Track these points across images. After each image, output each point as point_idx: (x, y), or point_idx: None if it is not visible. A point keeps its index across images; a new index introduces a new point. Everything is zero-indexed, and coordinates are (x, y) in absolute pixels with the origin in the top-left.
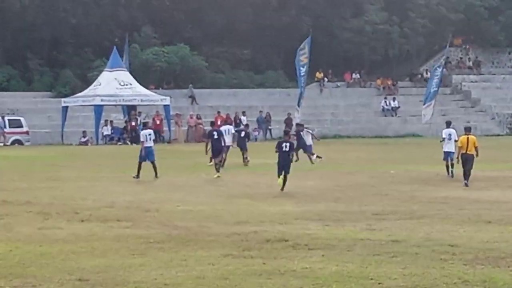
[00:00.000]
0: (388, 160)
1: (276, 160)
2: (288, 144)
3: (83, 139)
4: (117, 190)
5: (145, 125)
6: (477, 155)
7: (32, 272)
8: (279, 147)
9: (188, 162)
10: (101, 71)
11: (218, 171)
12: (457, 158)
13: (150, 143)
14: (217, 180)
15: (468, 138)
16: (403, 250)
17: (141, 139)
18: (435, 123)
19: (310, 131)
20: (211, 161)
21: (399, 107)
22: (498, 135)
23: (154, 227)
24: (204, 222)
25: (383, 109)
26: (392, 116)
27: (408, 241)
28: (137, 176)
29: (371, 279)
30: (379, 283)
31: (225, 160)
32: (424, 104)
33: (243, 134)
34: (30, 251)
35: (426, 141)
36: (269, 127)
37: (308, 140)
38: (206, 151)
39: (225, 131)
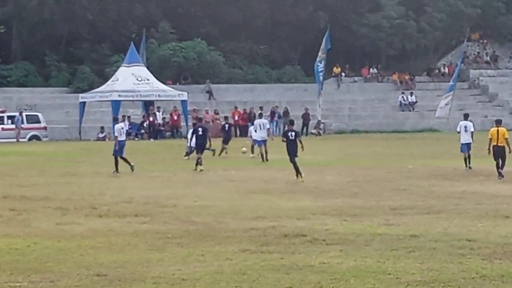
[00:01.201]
0: (405, 155)
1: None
2: (293, 133)
3: (101, 135)
4: (134, 185)
5: (116, 120)
6: (509, 149)
7: (50, 268)
8: (285, 136)
9: (205, 158)
10: (118, 67)
11: (200, 164)
12: (488, 150)
13: (124, 137)
14: (232, 175)
15: (498, 130)
16: (421, 245)
17: (115, 134)
18: (452, 117)
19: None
20: (186, 155)
21: (416, 102)
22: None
23: (172, 223)
24: (222, 217)
25: (401, 104)
26: (410, 111)
27: (426, 236)
28: (116, 171)
29: (389, 274)
30: (397, 278)
31: (267, 152)
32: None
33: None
34: (48, 246)
35: (444, 135)
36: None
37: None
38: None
39: (259, 125)
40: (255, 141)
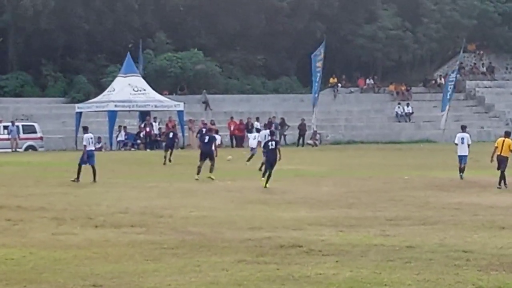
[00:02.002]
0: (401, 165)
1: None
2: (274, 143)
3: (98, 145)
4: (131, 195)
5: (86, 129)
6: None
7: (46, 278)
8: (265, 146)
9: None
10: (114, 77)
11: (198, 173)
12: (491, 159)
13: (92, 147)
14: (228, 185)
15: (504, 140)
16: (417, 256)
17: (84, 143)
18: (449, 129)
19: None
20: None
21: (412, 112)
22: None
23: (168, 233)
24: (218, 227)
25: (397, 115)
26: (406, 121)
27: (422, 247)
28: (77, 179)
29: (385, 285)
30: None
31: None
32: (442, 111)
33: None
34: (44, 256)
35: (440, 146)
36: (284, 133)
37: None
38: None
39: (265, 135)
40: (253, 149)
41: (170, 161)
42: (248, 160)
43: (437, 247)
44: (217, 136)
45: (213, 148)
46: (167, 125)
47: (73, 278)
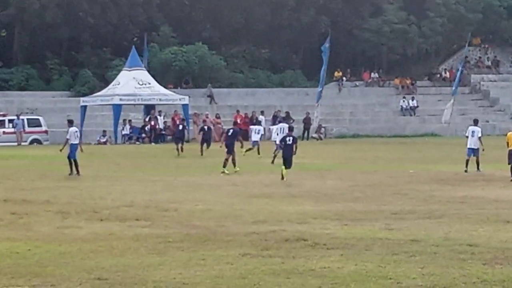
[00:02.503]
0: (406, 159)
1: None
2: (291, 138)
3: (103, 139)
4: (136, 189)
5: (71, 122)
6: None
7: (51, 271)
8: (283, 140)
9: (207, 162)
10: (119, 71)
11: (224, 166)
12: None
13: (76, 141)
14: (232, 179)
15: None
16: (421, 250)
17: (67, 136)
18: (453, 122)
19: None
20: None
21: (417, 106)
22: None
23: (173, 227)
24: (223, 221)
25: (402, 109)
26: (411, 115)
27: (426, 241)
28: (71, 173)
29: (390, 278)
30: (397, 283)
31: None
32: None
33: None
34: (49, 250)
35: (445, 140)
36: None
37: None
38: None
39: (280, 129)
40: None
41: (182, 151)
42: (247, 150)
43: (442, 240)
44: (260, 128)
45: (237, 140)
46: (173, 118)
47: (78, 272)
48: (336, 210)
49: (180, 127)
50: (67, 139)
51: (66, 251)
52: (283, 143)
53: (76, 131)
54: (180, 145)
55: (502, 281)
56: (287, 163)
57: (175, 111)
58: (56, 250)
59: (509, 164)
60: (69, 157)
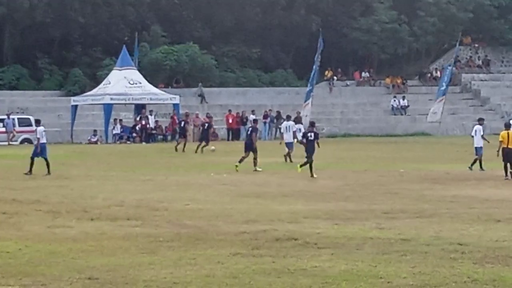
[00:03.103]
0: (397, 159)
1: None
2: (313, 134)
3: (93, 138)
4: (126, 188)
5: (38, 122)
6: None
7: (41, 271)
8: (305, 136)
9: (197, 161)
10: (110, 70)
11: (240, 161)
12: (497, 152)
13: (44, 140)
14: (223, 178)
15: (508, 133)
16: (412, 249)
17: (37, 136)
18: (444, 122)
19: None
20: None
21: (408, 105)
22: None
23: (163, 226)
24: (213, 220)
25: (393, 108)
26: (402, 114)
27: (417, 240)
28: (30, 172)
29: (381, 277)
30: (388, 282)
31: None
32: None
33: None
34: (40, 249)
35: (436, 139)
36: (279, 126)
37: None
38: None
39: (286, 127)
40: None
41: (202, 151)
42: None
43: (432, 240)
44: (296, 125)
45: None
46: (172, 117)
47: (68, 271)
48: (327, 210)
49: (206, 125)
50: (38, 139)
51: (56, 250)
52: (304, 139)
53: (44, 131)
54: (202, 144)
55: (493, 280)
56: (310, 157)
57: (173, 110)
58: (47, 249)
59: (504, 161)
60: (32, 157)
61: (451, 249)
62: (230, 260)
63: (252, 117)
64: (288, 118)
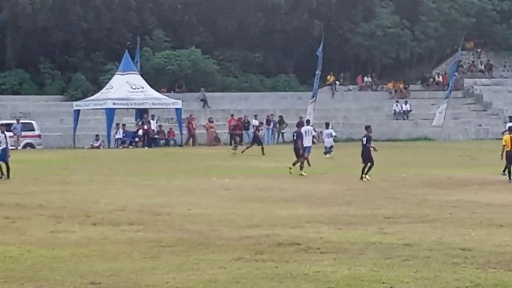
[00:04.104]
0: (399, 163)
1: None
2: (365, 138)
3: (96, 143)
4: (129, 193)
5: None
6: None
7: (44, 276)
8: (361, 141)
9: (200, 166)
10: (112, 75)
11: (301, 169)
12: (501, 155)
13: (4, 145)
14: (225, 183)
15: (511, 137)
16: (415, 254)
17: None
18: (446, 126)
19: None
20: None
21: (410, 110)
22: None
23: (166, 231)
24: (216, 225)
25: (395, 113)
26: (404, 119)
27: (420, 245)
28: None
29: (383, 282)
30: (390, 287)
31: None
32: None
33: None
34: (42, 254)
35: (438, 144)
36: (282, 131)
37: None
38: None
39: (305, 132)
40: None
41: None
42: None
43: (435, 245)
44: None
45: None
46: (190, 122)
47: (71, 276)
48: (329, 214)
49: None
50: (6, 143)
51: (59, 255)
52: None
53: (8, 136)
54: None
55: (495, 285)
56: (367, 162)
57: (190, 115)
58: (49, 254)
59: (508, 165)
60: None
61: (454, 254)
62: (233, 265)
63: (254, 122)
64: (308, 122)
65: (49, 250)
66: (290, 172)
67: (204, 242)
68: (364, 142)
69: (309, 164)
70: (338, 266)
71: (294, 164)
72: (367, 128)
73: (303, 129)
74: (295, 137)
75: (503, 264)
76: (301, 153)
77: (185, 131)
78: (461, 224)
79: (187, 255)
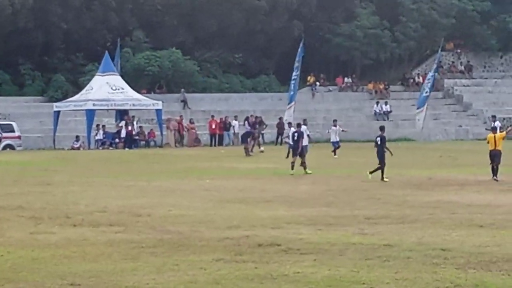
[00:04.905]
0: None
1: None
2: (379, 138)
3: (76, 144)
4: (109, 194)
5: None
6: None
7: (24, 277)
8: (375, 141)
9: (180, 167)
10: (93, 76)
11: (292, 168)
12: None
13: None
14: (205, 184)
15: (495, 136)
16: (395, 255)
17: None
18: (427, 127)
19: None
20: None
21: (391, 111)
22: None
23: (146, 232)
24: (196, 226)
25: (375, 113)
26: (384, 120)
27: (400, 246)
28: None
29: (363, 283)
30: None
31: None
32: (417, 109)
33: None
34: (22, 256)
35: (418, 145)
36: (262, 132)
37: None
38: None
39: (304, 131)
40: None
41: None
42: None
43: (415, 245)
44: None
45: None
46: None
47: (51, 277)
48: (309, 215)
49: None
50: None
51: (39, 256)
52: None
53: None
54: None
55: (475, 285)
56: (380, 162)
57: (180, 116)
58: (29, 255)
59: (491, 164)
60: None
61: (434, 254)
62: (213, 266)
63: (234, 123)
64: (305, 123)
65: (29, 251)
66: (307, 173)
67: (184, 243)
68: (379, 143)
69: (292, 167)
70: (318, 267)
71: (292, 168)
72: (382, 128)
73: (302, 128)
74: (295, 137)
75: (483, 265)
76: (298, 152)
77: (165, 132)
78: (441, 225)
79: (167, 256)
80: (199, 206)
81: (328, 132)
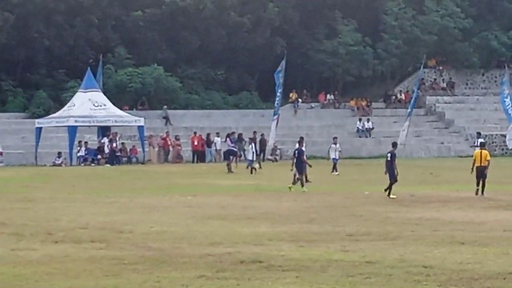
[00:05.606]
0: (362, 181)
1: None
2: (389, 154)
3: (58, 161)
4: (91, 211)
5: None
6: (486, 168)
7: None
8: (386, 157)
9: (162, 183)
10: (75, 92)
11: (301, 185)
12: (472, 169)
13: None
14: (187, 200)
15: (481, 152)
16: (377, 271)
17: None
18: (409, 144)
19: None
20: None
21: (373, 128)
22: (472, 156)
23: (128, 248)
24: (178, 243)
25: (358, 130)
26: (366, 137)
27: (382, 262)
28: None
29: None
30: None
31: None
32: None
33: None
34: (4, 272)
35: (400, 162)
36: (244, 148)
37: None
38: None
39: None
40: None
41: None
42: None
43: (397, 262)
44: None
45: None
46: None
47: None
48: (291, 232)
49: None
50: None
51: (20, 273)
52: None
53: None
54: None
55: None
56: (390, 178)
57: (166, 132)
58: (11, 272)
59: (477, 178)
60: None
61: (416, 271)
62: (195, 283)
63: (216, 140)
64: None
65: (11, 268)
66: (290, 188)
67: (166, 260)
68: (389, 159)
69: (308, 180)
70: (300, 284)
71: (294, 183)
72: (394, 145)
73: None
74: (296, 155)
75: (464, 282)
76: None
77: (147, 148)
78: (423, 242)
79: (149, 273)
80: (181, 223)
81: (328, 150)
